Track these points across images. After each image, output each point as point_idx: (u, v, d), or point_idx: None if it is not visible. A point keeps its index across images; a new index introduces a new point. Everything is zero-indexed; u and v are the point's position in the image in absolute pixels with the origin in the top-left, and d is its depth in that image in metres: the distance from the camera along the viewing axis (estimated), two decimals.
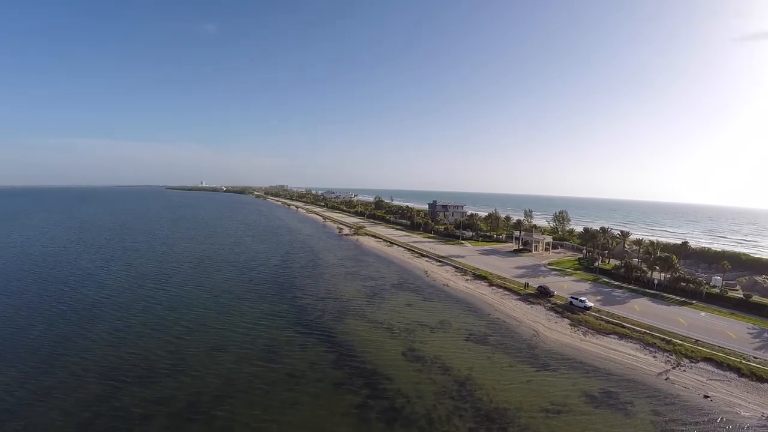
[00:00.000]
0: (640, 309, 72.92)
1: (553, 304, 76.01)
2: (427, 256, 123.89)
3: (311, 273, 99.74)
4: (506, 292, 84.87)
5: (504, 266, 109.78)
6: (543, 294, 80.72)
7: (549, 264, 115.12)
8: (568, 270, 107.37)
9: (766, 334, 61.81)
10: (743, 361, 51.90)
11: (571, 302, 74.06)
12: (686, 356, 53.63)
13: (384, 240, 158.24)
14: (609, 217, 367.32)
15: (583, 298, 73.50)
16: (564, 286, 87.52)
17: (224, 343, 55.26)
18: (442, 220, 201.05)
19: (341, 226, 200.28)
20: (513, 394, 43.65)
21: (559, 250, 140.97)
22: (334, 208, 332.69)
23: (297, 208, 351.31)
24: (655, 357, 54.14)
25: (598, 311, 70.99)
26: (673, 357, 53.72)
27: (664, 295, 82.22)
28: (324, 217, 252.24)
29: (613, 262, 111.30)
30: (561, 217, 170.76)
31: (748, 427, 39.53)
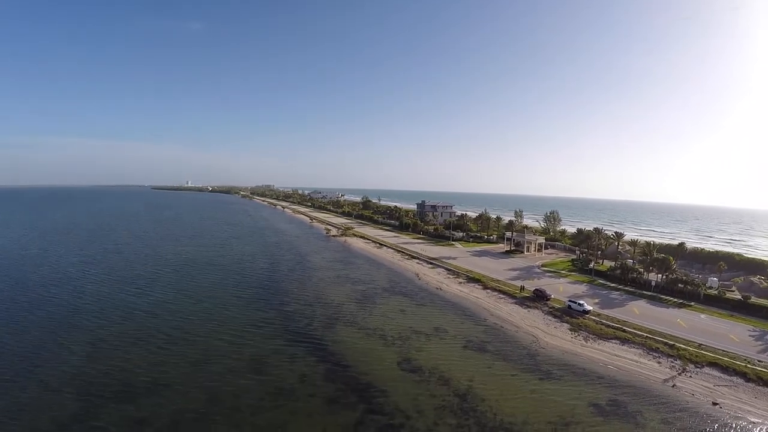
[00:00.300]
0: (640, 312, 72.72)
1: (550, 307, 75.28)
2: (418, 258, 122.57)
3: (299, 276, 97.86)
4: (501, 296, 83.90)
5: (497, 268, 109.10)
6: (539, 297, 79.95)
7: (542, 265, 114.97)
8: (563, 272, 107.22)
9: (767, 337, 61.92)
10: (749, 366, 51.88)
11: (569, 306, 73.40)
12: (691, 361, 53.26)
13: (373, 241, 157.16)
14: (596, 216, 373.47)
15: (581, 302, 72.90)
16: (560, 289, 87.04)
17: (209, 353, 52.84)
18: (432, 221, 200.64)
19: (329, 226, 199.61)
20: (518, 406, 42.30)
21: (551, 251, 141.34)
22: (321, 208, 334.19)
23: (283, 208, 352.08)
24: (659, 363, 53.61)
25: (598, 315, 70.49)
26: (678, 362, 53.38)
27: (662, 297, 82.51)
28: (311, 218, 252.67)
29: (607, 263, 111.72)
30: (552, 218, 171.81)
31: None
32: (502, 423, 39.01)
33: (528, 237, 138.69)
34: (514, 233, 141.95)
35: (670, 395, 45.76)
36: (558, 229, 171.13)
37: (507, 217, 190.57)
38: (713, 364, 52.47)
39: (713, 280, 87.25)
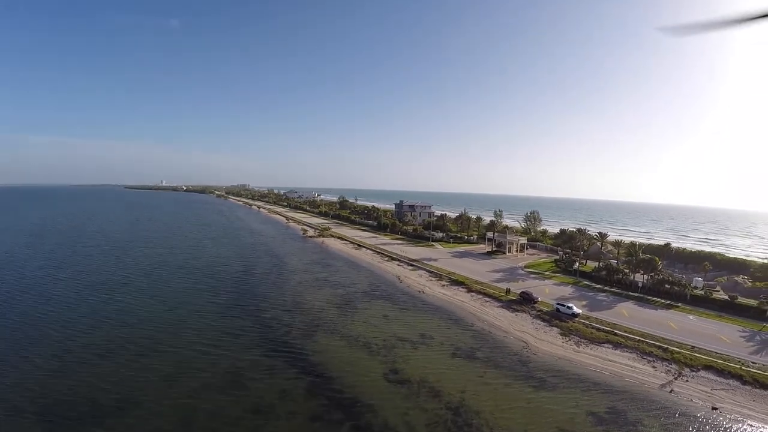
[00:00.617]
0: (629, 314, 73.08)
1: (538, 311, 74.68)
2: (398, 260, 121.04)
3: (276, 280, 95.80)
4: (487, 299, 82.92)
5: (480, 270, 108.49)
6: (526, 300, 79.31)
7: (525, 267, 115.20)
8: (547, 273, 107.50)
9: (758, 337, 63.40)
10: (743, 368, 52.39)
11: (557, 309, 72.95)
12: (686, 365, 53.35)
13: (351, 242, 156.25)
14: (572, 216, 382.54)
15: (570, 305, 72.61)
16: (546, 291, 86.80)
17: (182, 367, 49.58)
18: (411, 221, 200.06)
19: (305, 227, 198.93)
20: (514, 418, 40.86)
21: (533, 251, 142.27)
22: (298, 208, 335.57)
23: (259, 208, 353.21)
24: (654, 367, 53.43)
25: (587, 318, 70.31)
26: (673, 366, 53.47)
27: (649, 298, 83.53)
28: (287, 218, 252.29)
29: (590, 263, 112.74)
30: (532, 218, 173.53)
31: None
32: None
33: (510, 237, 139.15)
34: (496, 234, 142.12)
35: (669, 401, 45.45)
36: (539, 229, 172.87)
37: (486, 217, 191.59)
38: (708, 367, 52.71)
39: (698, 280, 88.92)
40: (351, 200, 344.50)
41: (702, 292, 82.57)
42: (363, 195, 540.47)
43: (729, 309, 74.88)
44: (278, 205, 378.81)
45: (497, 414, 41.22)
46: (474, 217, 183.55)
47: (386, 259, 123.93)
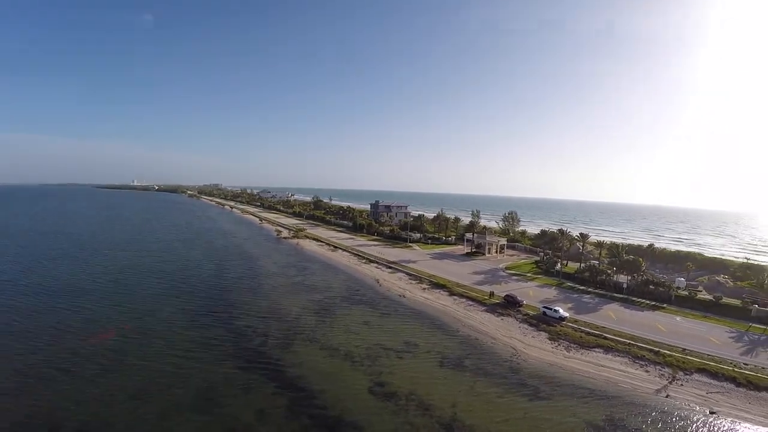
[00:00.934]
0: (616, 316, 73.31)
1: (524, 315, 73.94)
2: (376, 262, 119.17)
3: (249, 285, 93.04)
4: (470, 303, 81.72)
5: (460, 272, 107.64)
6: (511, 304, 78.50)
7: (506, 268, 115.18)
8: (528, 274, 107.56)
9: (746, 338, 64.48)
10: (736, 369, 53.05)
11: (544, 312, 72.36)
12: (679, 368, 53.50)
13: (327, 243, 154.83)
14: (546, 216, 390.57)
15: (557, 308, 72.17)
16: (530, 294, 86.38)
17: (150, 385, 45.99)
18: (387, 222, 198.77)
19: (279, 228, 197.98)
20: (510, 431, 39.03)
21: (513, 252, 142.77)
22: (271, 208, 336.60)
23: (231, 208, 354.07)
24: (647, 372, 53.24)
25: (574, 321, 70.05)
26: (666, 370, 53.62)
27: (634, 299, 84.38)
28: (260, 218, 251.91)
29: (572, 264, 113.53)
30: (511, 218, 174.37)
31: None
32: None
33: (489, 238, 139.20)
34: (475, 234, 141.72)
35: (666, 406, 45.30)
36: (517, 230, 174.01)
37: (463, 218, 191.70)
38: (702, 370, 53.06)
39: (680, 281, 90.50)
40: (325, 200, 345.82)
41: (686, 293, 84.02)
42: (337, 195, 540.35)
43: (714, 309, 76.25)
44: (251, 205, 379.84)
45: (493, 428, 39.64)
46: (452, 217, 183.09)
47: (364, 261, 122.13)
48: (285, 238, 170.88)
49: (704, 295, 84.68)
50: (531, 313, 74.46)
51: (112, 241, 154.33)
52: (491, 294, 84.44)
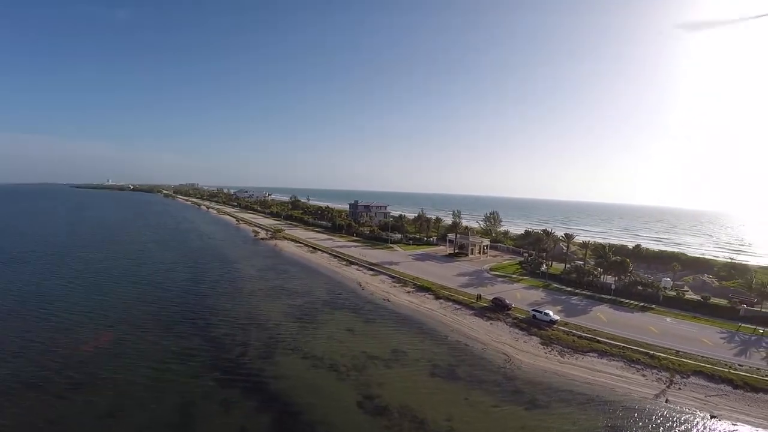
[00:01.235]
0: (607, 318, 73.21)
1: (514, 318, 72.99)
2: (357, 264, 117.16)
3: (227, 290, 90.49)
4: (457, 306, 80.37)
5: (444, 274, 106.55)
6: (499, 307, 77.46)
7: (491, 269, 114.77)
8: (514, 276, 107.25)
9: (737, 338, 65.24)
10: (732, 371, 53.37)
11: (534, 316, 71.50)
12: (676, 371, 53.37)
13: (306, 245, 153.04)
14: (524, 216, 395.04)
15: (547, 311, 71.48)
16: (517, 296, 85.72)
17: (121, 402, 42.81)
18: (367, 222, 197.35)
19: (257, 228, 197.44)
20: None
21: (496, 253, 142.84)
22: (248, 208, 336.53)
23: (208, 208, 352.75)
24: (644, 376, 52.87)
25: (565, 324, 69.54)
26: (663, 373, 53.45)
27: (622, 300, 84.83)
28: (237, 219, 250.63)
29: (556, 265, 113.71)
30: (492, 218, 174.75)
31: None
32: None
33: (472, 239, 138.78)
34: (458, 235, 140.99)
35: (667, 412, 44.89)
36: (499, 230, 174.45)
37: (443, 218, 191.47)
38: (698, 373, 53.14)
39: (667, 281, 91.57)
40: (303, 200, 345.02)
41: (674, 293, 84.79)
42: (315, 195, 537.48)
43: (702, 309, 77.14)
44: (228, 205, 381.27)
45: None
46: (433, 218, 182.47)
47: (344, 263, 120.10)
48: (263, 239, 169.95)
49: (691, 296, 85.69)
50: (520, 316, 73.56)
51: (84, 243, 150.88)
52: (479, 297, 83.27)
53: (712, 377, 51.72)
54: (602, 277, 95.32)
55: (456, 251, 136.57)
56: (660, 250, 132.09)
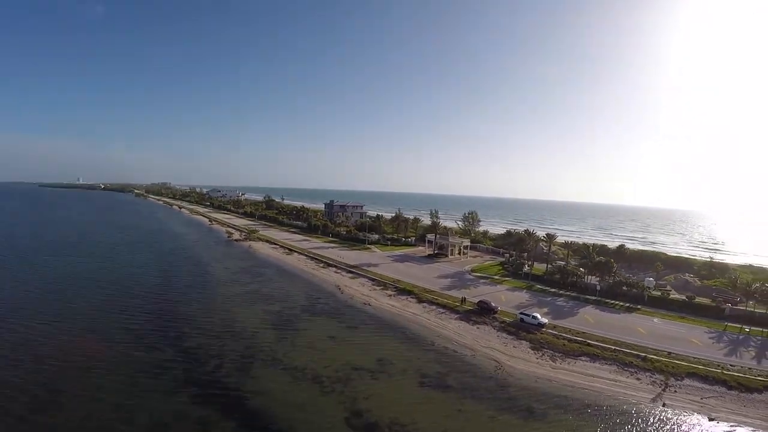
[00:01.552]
0: (594, 320, 73.31)
1: (501, 322, 72.05)
2: (335, 266, 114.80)
3: (200, 295, 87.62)
4: (441, 310, 79.02)
5: (425, 275, 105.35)
6: (485, 310, 76.43)
7: (472, 271, 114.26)
8: (496, 277, 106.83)
9: (725, 338, 66.23)
10: (725, 372, 53.91)
11: (521, 319, 70.69)
12: (670, 374, 53.41)
13: (281, 246, 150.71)
14: (501, 215, 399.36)
15: (535, 314, 70.84)
16: (502, 298, 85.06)
17: (86, 424, 39.65)
18: (344, 222, 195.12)
19: (230, 229, 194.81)
20: None
21: (476, 253, 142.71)
22: (221, 208, 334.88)
23: (180, 208, 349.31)
24: (638, 379, 52.67)
25: (554, 327, 69.19)
26: (657, 376, 53.42)
27: (607, 301, 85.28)
28: (210, 219, 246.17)
29: (538, 266, 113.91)
30: (471, 218, 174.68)
31: None
32: None
33: (452, 239, 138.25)
34: (438, 236, 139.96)
35: (665, 416, 44.71)
36: (478, 230, 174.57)
37: (420, 217, 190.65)
38: (692, 375, 53.50)
39: (649, 281, 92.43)
40: (277, 200, 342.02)
41: (659, 293, 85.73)
42: (289, 194, 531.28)
43: (688, 309, 78.36)
44: (201, 204, 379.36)
45: None
46: (411, 218, 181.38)
47: (322, 265, 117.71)
48: (237, 240, 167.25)
49: (675, 295, 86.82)
50: (507, 320, 72.66)
51: (51, 246, 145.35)
52: (463, 300, 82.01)
53: (706, 379, 52.04)
54: (586, 277, 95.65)
55: (436, 252, 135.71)
56: (640, 250, 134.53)
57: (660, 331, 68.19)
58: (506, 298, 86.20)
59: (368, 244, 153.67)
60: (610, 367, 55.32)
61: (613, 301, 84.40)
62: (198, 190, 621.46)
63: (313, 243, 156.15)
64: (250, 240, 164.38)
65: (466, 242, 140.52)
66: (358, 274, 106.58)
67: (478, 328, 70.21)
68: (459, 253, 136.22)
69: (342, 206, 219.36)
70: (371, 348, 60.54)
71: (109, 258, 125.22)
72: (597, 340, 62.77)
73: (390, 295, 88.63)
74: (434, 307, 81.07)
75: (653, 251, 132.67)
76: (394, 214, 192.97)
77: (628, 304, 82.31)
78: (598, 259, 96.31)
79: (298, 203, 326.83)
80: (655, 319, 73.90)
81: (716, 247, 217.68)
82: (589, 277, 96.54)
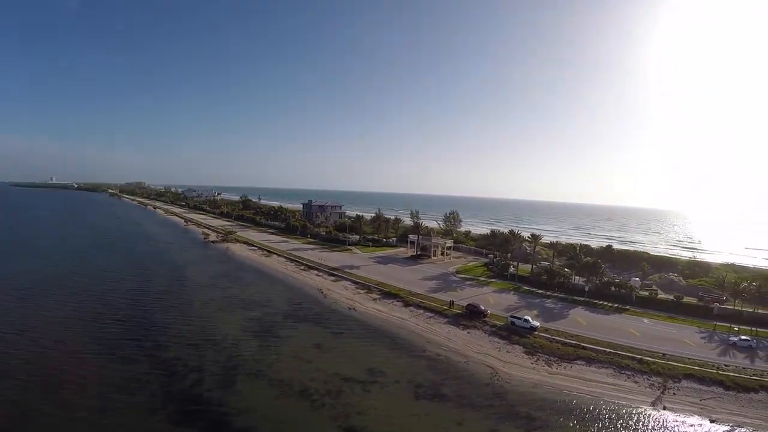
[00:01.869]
0: (585, 322, 73.44)
1: (491, 326, 71.28)
2: (317, 269, 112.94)
3: (177, 301, 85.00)
4: (430, 314, 77.81)
5: (409, 278, 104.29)
6: (474, 314, 75.56)
7: (457, 272, 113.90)
8: (482, 278, 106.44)
9: (716, 337, 67.25)
10: (720, 372, 54.48)
11: (512, 322, 70.06)
12: (667, 376, 53.55)
13: (260, 247, 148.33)
14: (478, 215, 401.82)
15: (526, 317, 70.37)
16: (490, 301, 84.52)
17: None
18: (323, 223, 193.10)
19: (207, 230, 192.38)
20: None
21: (459, 254, 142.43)
22: (197, 208, 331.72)
23: (155, 208, 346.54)
24: (636, 383, 52.76)
25: (545, 330, 68.81)
26: (654, 379, 53.43)
27: (596, 302, 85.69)
28: (186, 219, 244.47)
29: (522, 266, 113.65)
30: (452, 218, 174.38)
31: None
32: None
33: (435, 240, 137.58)
34: (420, 236, 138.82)
35: (667, 420, 44.81)
36: (460, 230, 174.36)
37: (401, 217, 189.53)
38: (689, 376, 53.81)
39: (635, 281, 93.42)
40: (254, 200, 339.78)
41: (646, 294, 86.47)
42: (266, 194, 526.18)
43: (676, 309, 79.52)
44: (176, 204, 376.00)
45: None
46: (392, 218, 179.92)
47: (302, 267, 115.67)
48: (213, 242, 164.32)
49: (662, 295, 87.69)
50: (498, 323, 71.92)
51: (21, 248, 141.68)
52: (451, 303, 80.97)
53: (703, 380, 52.49)
54: (573, 278, 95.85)
55: (418, 253, 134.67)
56: (624, 250, 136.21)
57: (651, 332, 68.72)
58: (494, 300, 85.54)
59: (348, 245, 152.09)
60: (607, 371, 55.09)
61: (601, 302, 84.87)
62: (173, 189, 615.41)
63: (292, 244, 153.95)
64: (227, 241, 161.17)
65: (450, 243, 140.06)
66: (340, 276, 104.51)
67: (468, 332, 69.09)
68: (442, 254, 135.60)
69: (321, 206, 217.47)
70: (360, 356, 58.72)
71: (82, 261, 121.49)
72: (591, 343, 62.60)
73: (375, 299, 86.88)
74: (422, 311, 79.70)
75: (636, 251, 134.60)
76: (374, 215, 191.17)
77: (616, 305, 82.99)
78: (585, 259, 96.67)
79: (276, 203, 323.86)
80: (645, 320, 74.49)
81: (692, 245, 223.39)
82: (576, 277, 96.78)
